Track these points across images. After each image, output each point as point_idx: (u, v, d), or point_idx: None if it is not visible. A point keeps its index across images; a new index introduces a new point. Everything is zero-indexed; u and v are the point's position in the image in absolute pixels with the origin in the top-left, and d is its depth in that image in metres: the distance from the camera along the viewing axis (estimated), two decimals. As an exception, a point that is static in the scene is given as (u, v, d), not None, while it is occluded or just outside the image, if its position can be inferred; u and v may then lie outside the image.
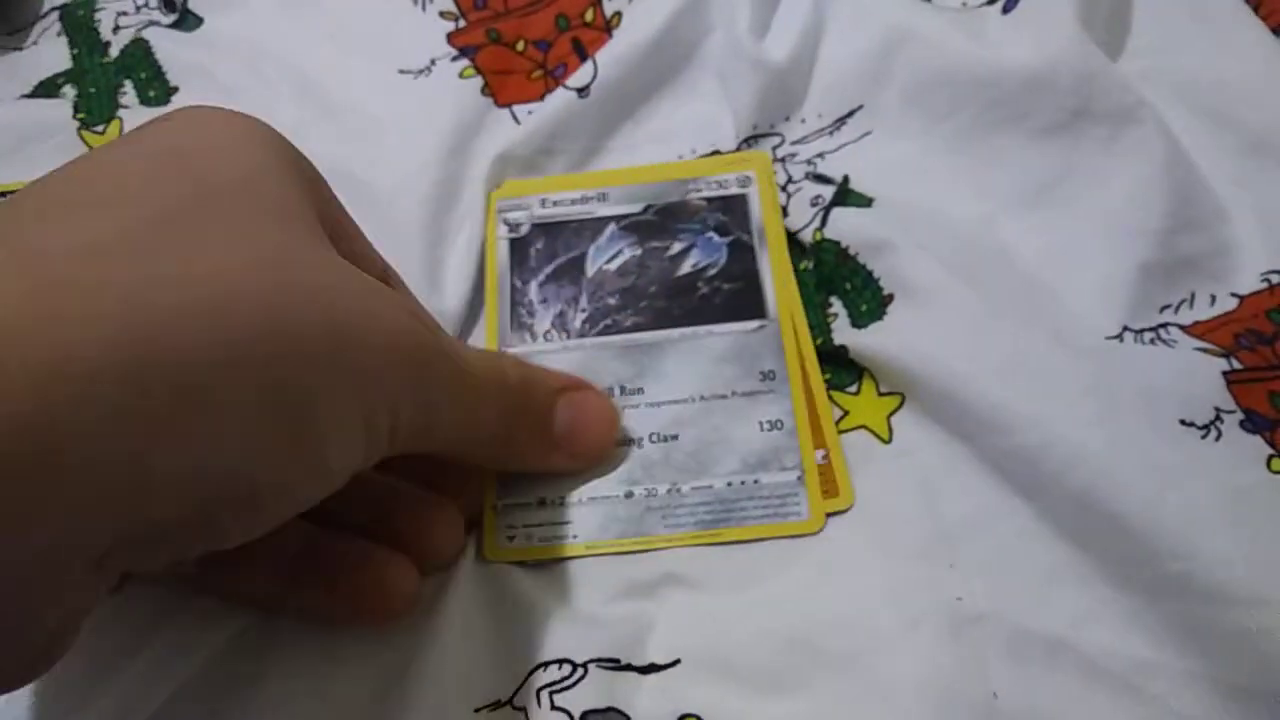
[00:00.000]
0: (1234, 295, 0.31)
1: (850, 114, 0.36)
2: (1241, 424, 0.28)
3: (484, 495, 0.31)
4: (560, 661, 0.28)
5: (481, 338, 0.34)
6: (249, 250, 0.20)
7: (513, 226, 0.35)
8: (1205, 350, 0.30)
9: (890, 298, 0.32)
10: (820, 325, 0.33)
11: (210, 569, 0.27)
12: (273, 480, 0.21)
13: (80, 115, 0.40)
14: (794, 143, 0.36)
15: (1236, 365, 0.29)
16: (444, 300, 0.34)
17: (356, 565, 0.27)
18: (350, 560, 0.27)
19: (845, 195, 0.34)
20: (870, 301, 0.32)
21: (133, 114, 0.40)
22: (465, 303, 0.34)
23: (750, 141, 0.37)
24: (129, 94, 0.40)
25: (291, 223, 0.22)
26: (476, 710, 0.27)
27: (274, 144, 0.24)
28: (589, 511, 0.30)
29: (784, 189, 0.35)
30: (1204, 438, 0.28)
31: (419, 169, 0.36)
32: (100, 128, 0.39)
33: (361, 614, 0.28)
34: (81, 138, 0.39)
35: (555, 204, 0.36)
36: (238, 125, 0.24)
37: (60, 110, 0.40)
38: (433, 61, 0.40)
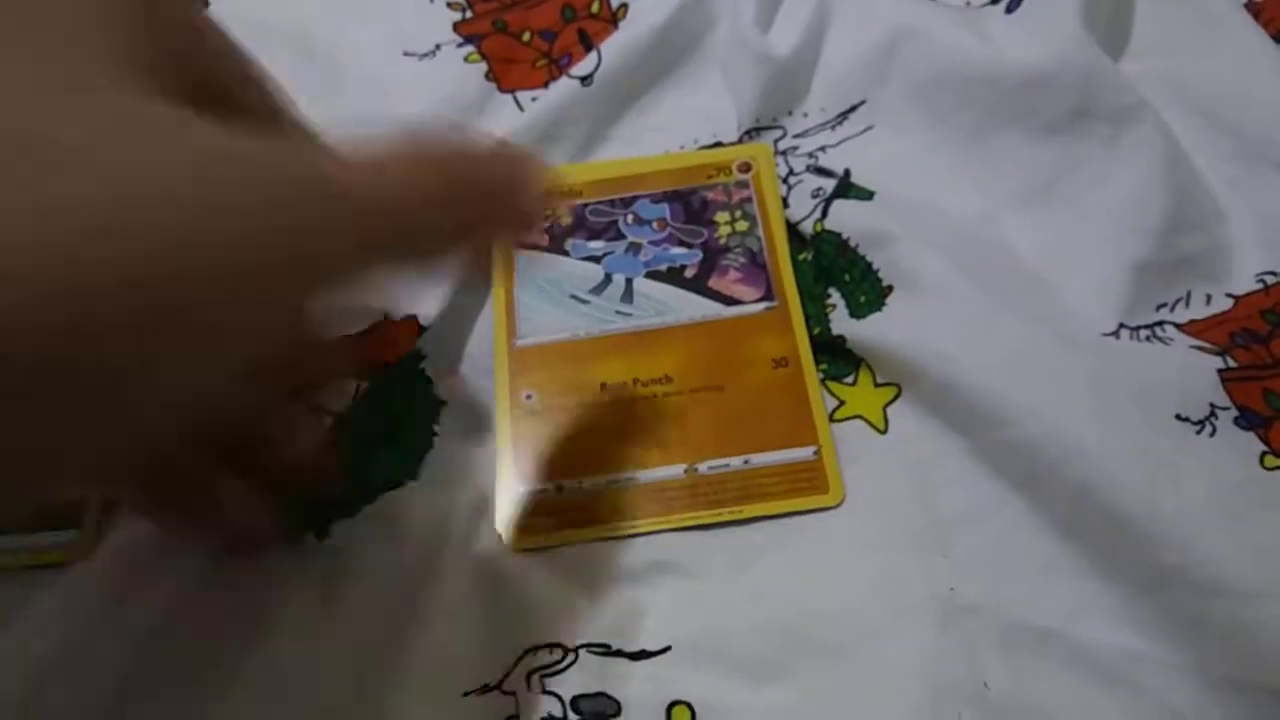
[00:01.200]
0: (1229, 295, 0.31)
1: (853, 109, 0.36)
2: (1236, 420, 0.28)
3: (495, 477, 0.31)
4: (551, 646, 0.28)
5: (489, 328, 0.34)
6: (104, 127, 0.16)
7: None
8: (1201, 348, 0.30)
9: (889, 289, 0.32)
10: (819, 315, 0.33)
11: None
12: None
13: None
14: (796, 136, 0.36)
15: (1231, 363, 0.29)
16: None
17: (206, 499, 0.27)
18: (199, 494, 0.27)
19: (846, 189, 0.34)
20: (869, 293, 0.32)
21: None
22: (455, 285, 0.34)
23: (752, 134, 0.37)
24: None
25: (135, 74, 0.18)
26: (465, 694, 0.27)
27: None
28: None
29: (785, 181, 0.35)
30: (1199, 433, 0.28)
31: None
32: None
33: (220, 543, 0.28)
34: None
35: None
36: None
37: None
38: (438, 46, 0.40)
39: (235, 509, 0.27)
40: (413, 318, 0.33)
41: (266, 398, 0.26)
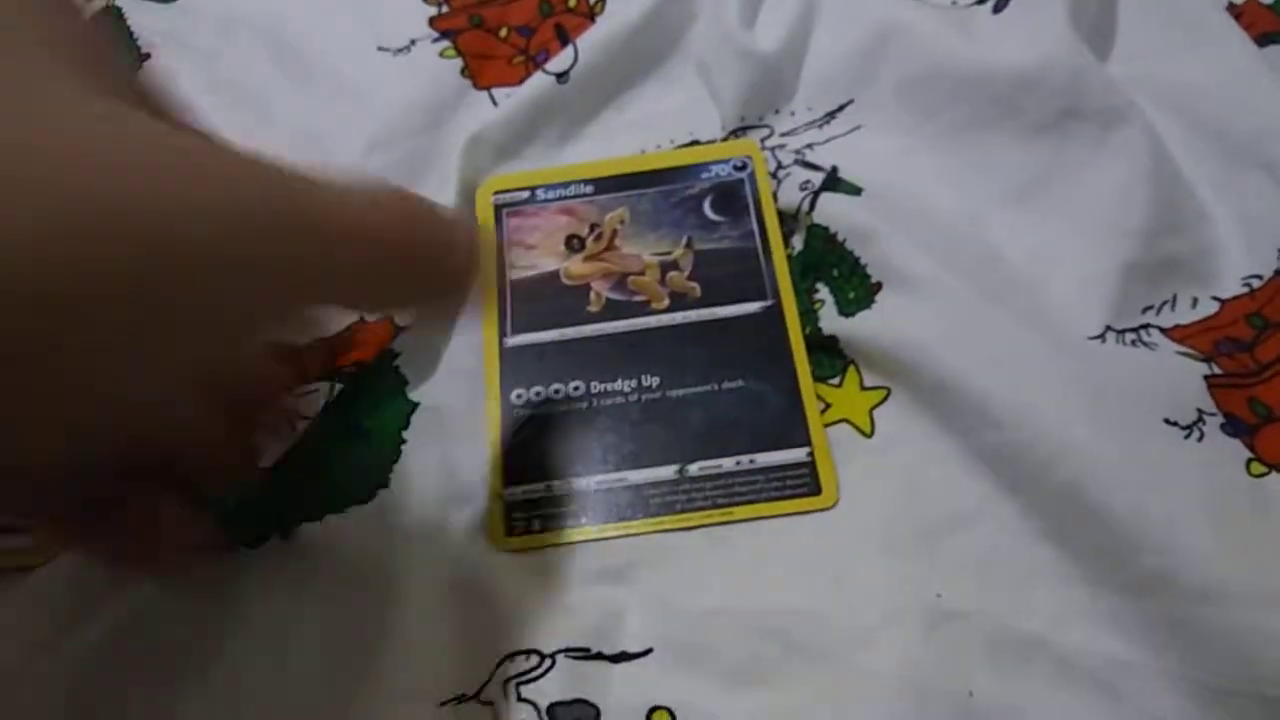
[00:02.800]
0: (1215, 299, 0.31)
1: (840, 108, 0.36)
2: (1222, 427, 0.28)
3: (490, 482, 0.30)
4: (528, 652, 0.27)
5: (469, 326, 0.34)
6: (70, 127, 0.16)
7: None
8: (1185, 354, 0.30)
9: (879, 286, 0.32)
10: (808, 312, 0.33)
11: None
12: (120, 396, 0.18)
13: None
14: (783, 134, 0.36)
15: (1216, 370, 0.29)
16: None
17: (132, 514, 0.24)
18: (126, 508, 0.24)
19: (835, 184, 0.34)
20: (858, 289, 0.32)
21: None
22: None
23: (739, 133, 0.36)
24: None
25: (78, 71, 0.18)
26: (442, 704, 0.27)
27: None
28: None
29: (774, 175, 0.35)
30: (1187, 438, 0.28)
31: (389, 139, 0.36)
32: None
33: (147, 564, 0.26)
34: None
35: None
36: None
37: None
38: (413, 41, 0.39)
39: (171, 525, 0.25)
40: (387, 316, 0.33)
41: (209, 409, 0.25)
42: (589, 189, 0.35)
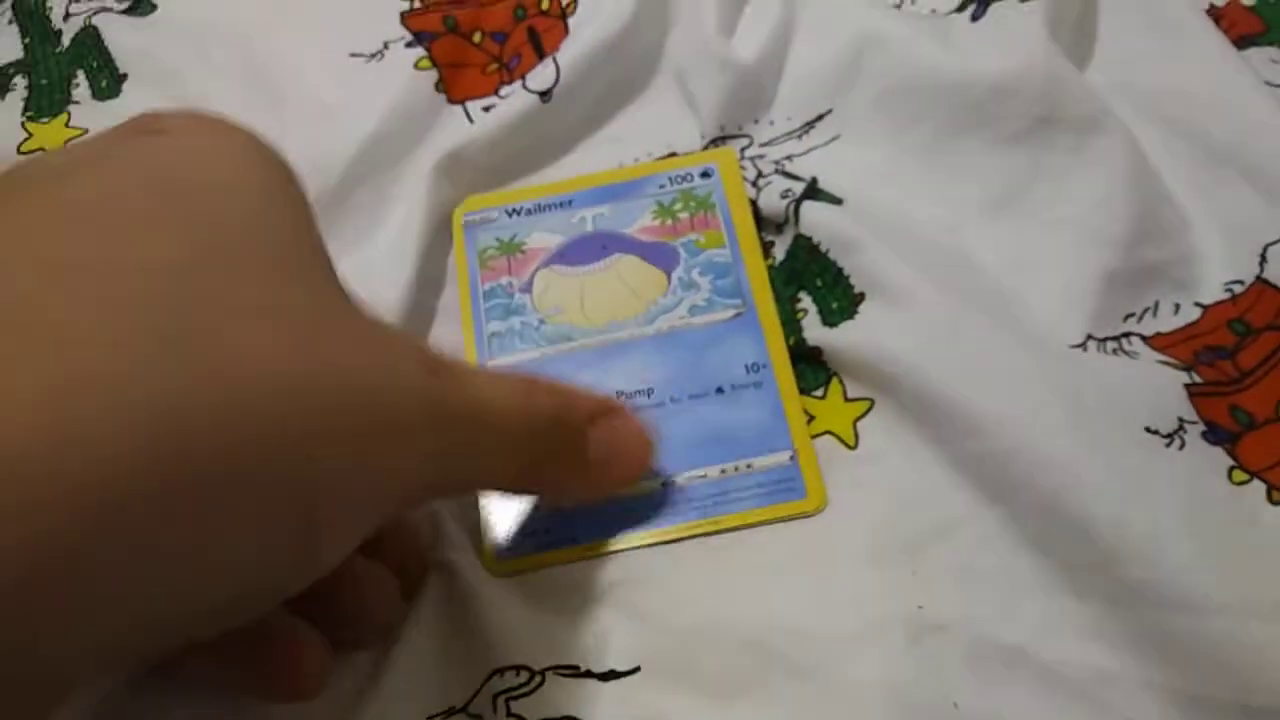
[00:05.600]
0: (1197, 305, 0.31)
1: (819, 118, 0.36)
2: (1204, 435, 0.28)
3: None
4: (518, 668, 0.27)
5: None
6: (277, 323, 0.17)
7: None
8: (1166, 363, 0.30)
9: (861, 296, 0.32)
10: (791, 322, 0.33)
11: None
12: (275, 579, 0.19)
13: (29, 114, 0.39)
14: (763, 145, 0.36)
15: (1197, 379, 0.29)
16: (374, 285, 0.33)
17: (269, 642, 0.25)
18: (263, 636, 0.25)
19: (815, 194, 0.34)
20: (841, 299, 0.32)
21: (83, 108, 0.39)
22: (405, 292, 0.33)
23: (717, 143, 0.36)
24: (81, 85, 0.39)
25: (309, 274, 0.19)
26: (430, 717, 0.27)
27: (273, 165, 0.21)
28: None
29: (754, 184, 0.35)
30: (1168, 446, 0.28)
31: (363, 161, 0.36)
32: (46, 120, 0.38)
33: (272, 692, 0.26)
34: (25, 128, 0.38)
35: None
36: (234, 142, 0.20)
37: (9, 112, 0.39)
38: (385, 45, 0.39)
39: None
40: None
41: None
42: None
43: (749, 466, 0.30)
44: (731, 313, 0.33)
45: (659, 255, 0.34)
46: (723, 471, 0.30)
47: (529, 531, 0.30)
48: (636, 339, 0.33)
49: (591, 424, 0.26)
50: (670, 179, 0.35)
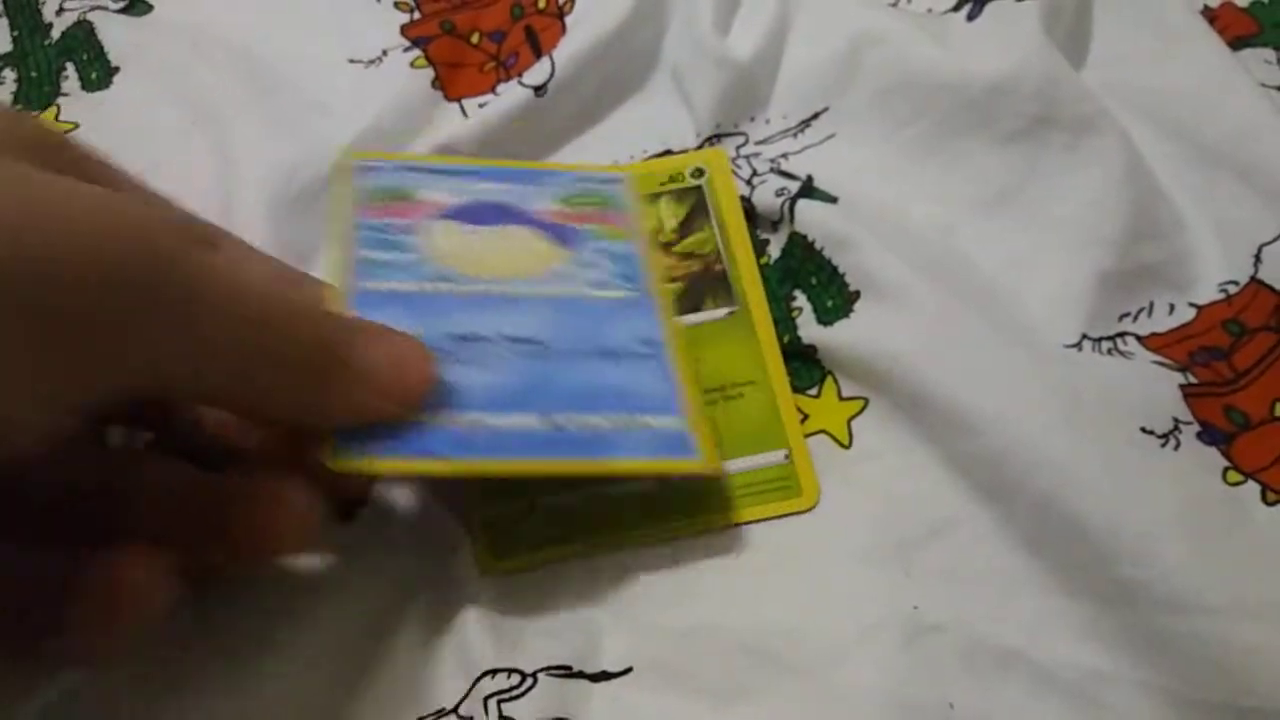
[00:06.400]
0: (1192, 305, 0.31)
1: (815, 116, 0.36)
2: (1199, 435, 0.28)
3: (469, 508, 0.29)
4: (509, 670, 0.27)
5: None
6: None
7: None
8: (1161, 364, 0.30)
9: (857, 294, 0.32)
10: (785, 320, 0.33)
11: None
12: None
13: (18, 107, 0.39)
14: (758, 143, 0.36)
15: (1192, 380, 0.29)
16: None
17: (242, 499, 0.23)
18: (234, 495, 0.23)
19: (810, 192, 0.34)
20: (836, 297, 0.32)
21: (72, 101, 0.39)
22: None
23: (713, 140, 0.36)
24: (70, 77, 0.39)
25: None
26: (421, 718, 0.27)
27: None
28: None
29: (748, 182, 0.35)
30: (1163, 446, 0.28)
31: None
32: (35, 113, 0.38)
33: (257, 549, 0.24)
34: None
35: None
36: None
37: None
38: (384, 52, 0.39)
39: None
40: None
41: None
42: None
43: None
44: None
45: (560, 234, 0.32)
46: (613, 424, 0.28)
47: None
48: (528, 296, 0.30)
49: (361, 331, 0.24)
50: (579, 178, 0.34)
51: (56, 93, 0.39)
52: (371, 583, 0.29)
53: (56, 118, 0.38)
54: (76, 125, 0.38)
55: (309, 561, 0.29)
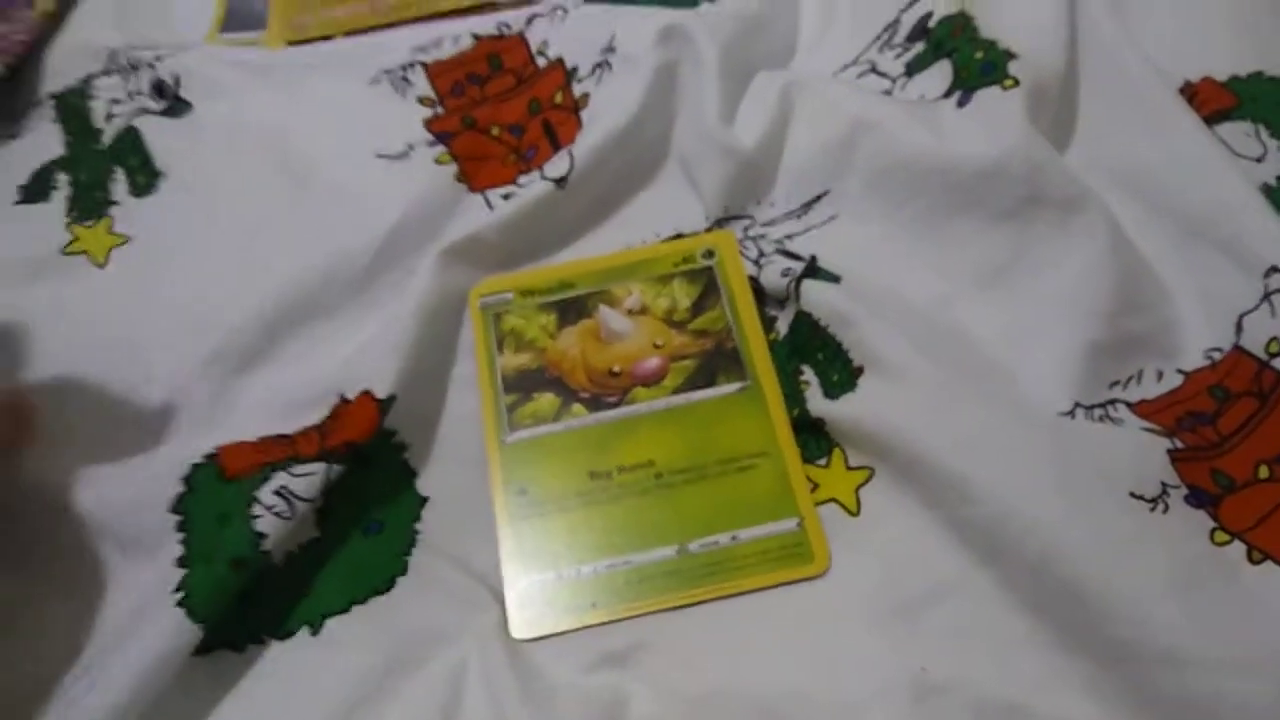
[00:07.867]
0: (1179, 371, 0.33)
1: (817, 199, 0.38)
2: (1186, 498, 0.29)
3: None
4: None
5: (463, 402, 0.36)
6: None
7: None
8: (1150, 430, 0.31)
9: (860, 369, 0.33)
10: (794, 395, 0.34)
11: None
12: None
13: (73, 214, 0.41)
14: (764, 224, 0.38)
15: (1179, 445, 0.30)
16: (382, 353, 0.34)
17: None
18: None
19: (815, 272, 0.35)
20: (841, 372, 0.34)
21: (122, 209, 0.41)
22: (409, 360, 0.35)
23: (722, 223, 0.38)
24: (120, 181, 0.41)
25: None
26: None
27: None
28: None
29: (756, 262, 0.37)
30: (1152, 510, 0.29)
31: (388, 251, 0.38)
32: (90, 222, 0.40)
33: None
34: (69, 230, 0.40)
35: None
36: None
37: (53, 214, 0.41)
38: (410, 147, 0.41)
39: None
40: (367, 393, 0.34)
41: None
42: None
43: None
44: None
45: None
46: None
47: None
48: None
49: None
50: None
51: (108, 200, 0.41)
52: (406, 652, 0.31)
53: (110, 230, 0.40)
54: (129, 239, 0.40)
55: (343, 638, 0.31)
